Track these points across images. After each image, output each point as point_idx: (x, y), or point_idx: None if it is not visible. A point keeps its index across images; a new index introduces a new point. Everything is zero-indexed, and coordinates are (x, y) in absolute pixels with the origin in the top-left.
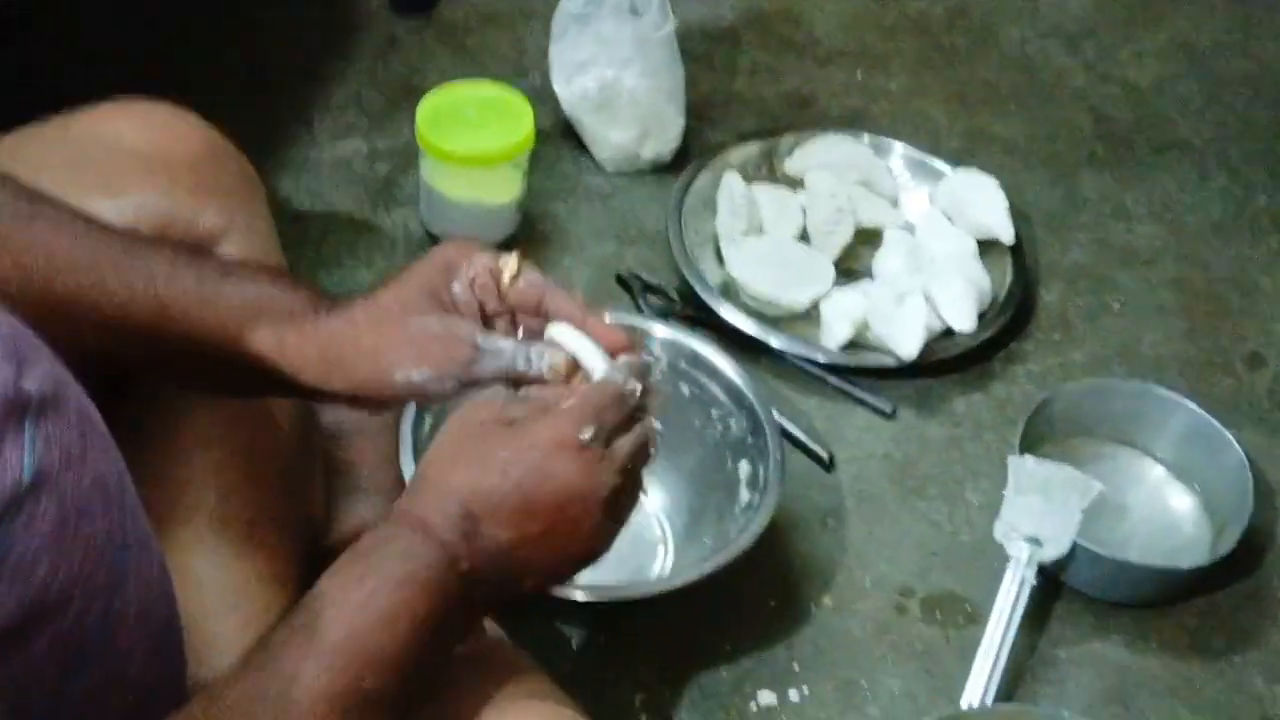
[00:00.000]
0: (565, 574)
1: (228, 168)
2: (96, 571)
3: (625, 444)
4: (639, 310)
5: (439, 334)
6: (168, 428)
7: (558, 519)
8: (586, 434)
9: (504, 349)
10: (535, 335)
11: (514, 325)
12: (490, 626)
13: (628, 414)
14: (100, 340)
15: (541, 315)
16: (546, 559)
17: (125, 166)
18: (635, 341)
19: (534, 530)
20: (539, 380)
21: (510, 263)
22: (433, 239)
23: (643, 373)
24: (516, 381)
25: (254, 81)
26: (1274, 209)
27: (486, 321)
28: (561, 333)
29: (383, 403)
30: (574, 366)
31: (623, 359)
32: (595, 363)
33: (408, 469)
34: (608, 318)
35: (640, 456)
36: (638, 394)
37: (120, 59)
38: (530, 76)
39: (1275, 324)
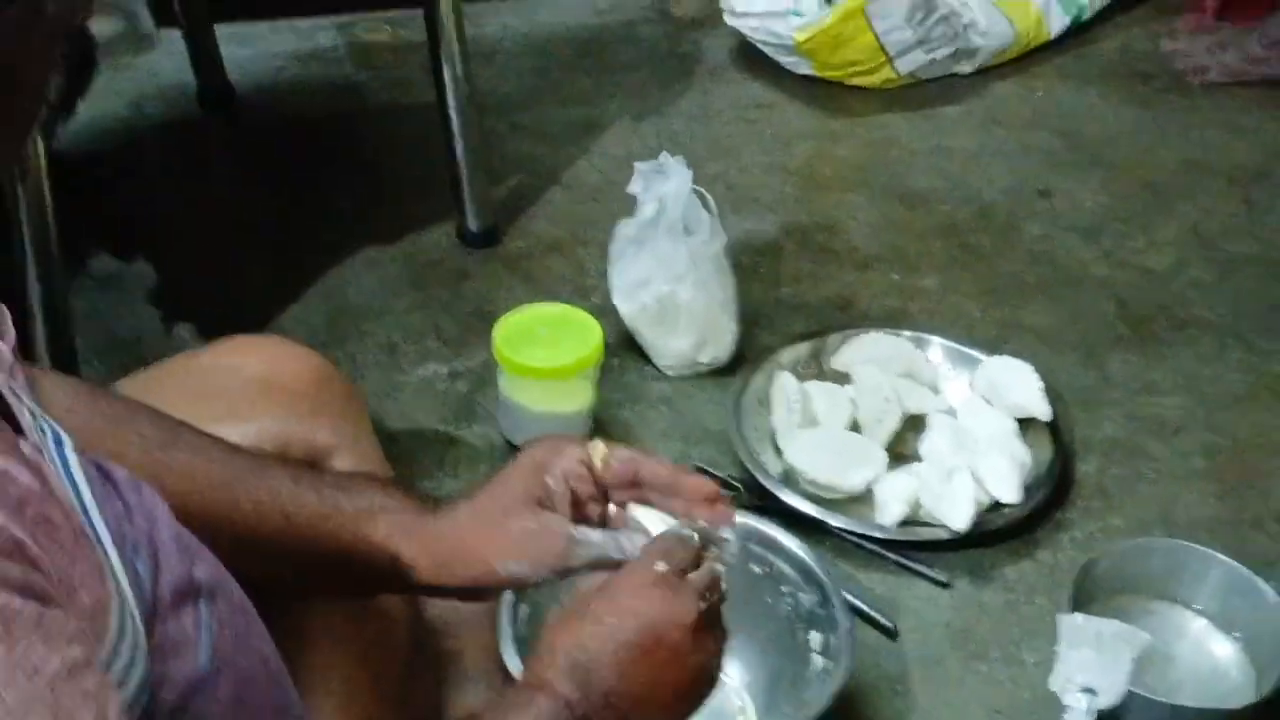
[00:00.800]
0: (675, 711)
1: (335, 391)
2: None
3: (698, 577)
4: None
5: (535, 530)
6: (295, 628)
7: (654, 650)
8: (660, 566)
9: (595, 540)
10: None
11: (606, 503)
12: None
13: (694, 554)
14: (233, 553)
15: (638, 486)
16: (655, 694)
17: (247, 394)
18: (720, 494)
19: (638, 667)
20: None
21: (599, 449)
22: (512, 448)
23: (705, 535)
24: (611, 565)
25: (340, 316)
26: None
27: (581, 507)
28: (640, 514)
29: (487, 595)
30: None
31: (683, 523)
32: (659, 525)
33: (508, 655)
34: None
35: (714, 590)
36: (696, 538)
37: (219, 305)
38: (591, 297)
39: None
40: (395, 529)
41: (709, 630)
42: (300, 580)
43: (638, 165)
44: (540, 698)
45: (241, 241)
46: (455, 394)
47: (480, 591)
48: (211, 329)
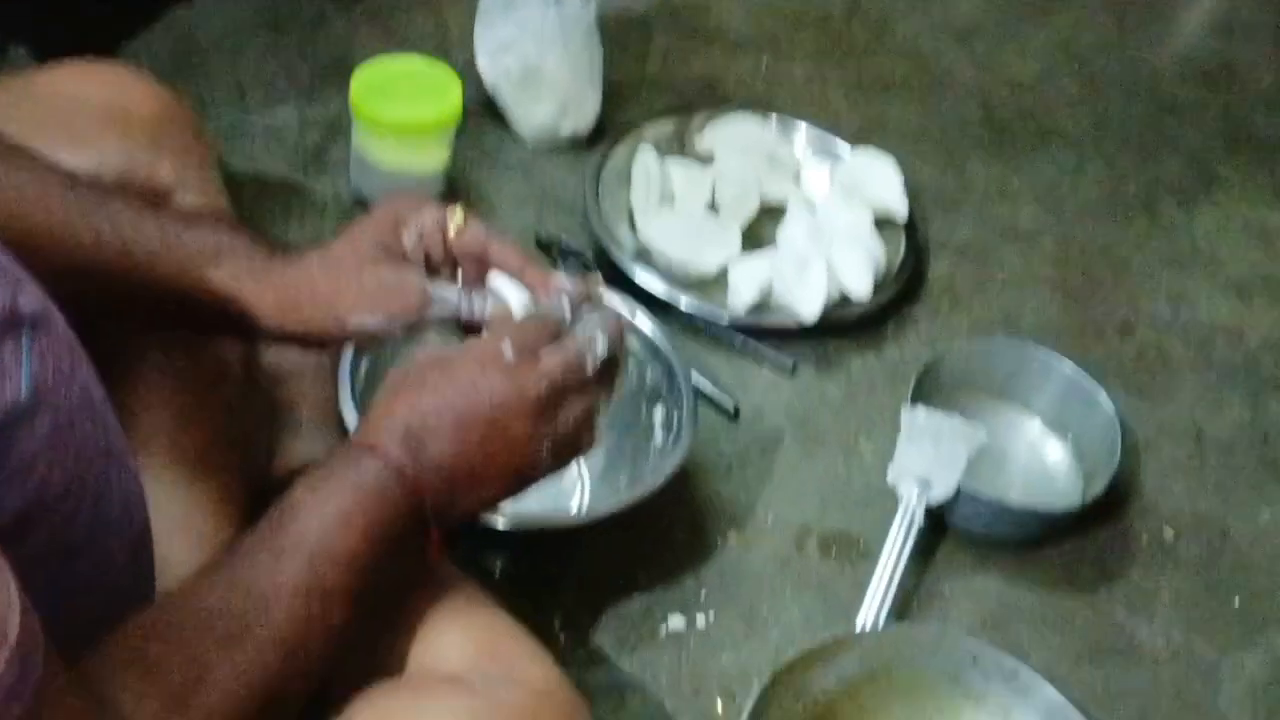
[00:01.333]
0: (510, 489)
1: (181, 127)
2: (86, 476)
3: (553, 358)
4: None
5: (391, 283)
6: (125, 362)
7: (491, 429)
8: (507, 349)
9: (449, 297)
10: (473, 282)
11: (455, 273)
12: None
13: (552, 334)
14: (67, 282)
15: (484, 263)
16: (488, 472)
17: (88, 122)
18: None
19: (471, 442)
20: (481, 324)
21: (456, 215)
22: (361, 204)
23: (570, 302)
24: (462, 326)
25: (186, 52)
26: (1143, 194)
27: (431, 269)
28: (498, 282)
29: (331, 344)
30: (512, 313)
31: (544, 301)
32: (518, 297)
33: (346, 408)
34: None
35: (575, 372)
36: (559, 318)
37: (58, 27)
38: (453, 55)
39: (1143, 297)
40: (240, 270)
41: (555, 412)
42: (135, 314)
43: None
44: (369, 459)
45: None
46: (306, 143)
47: (323, 342)
48: (49, 53)
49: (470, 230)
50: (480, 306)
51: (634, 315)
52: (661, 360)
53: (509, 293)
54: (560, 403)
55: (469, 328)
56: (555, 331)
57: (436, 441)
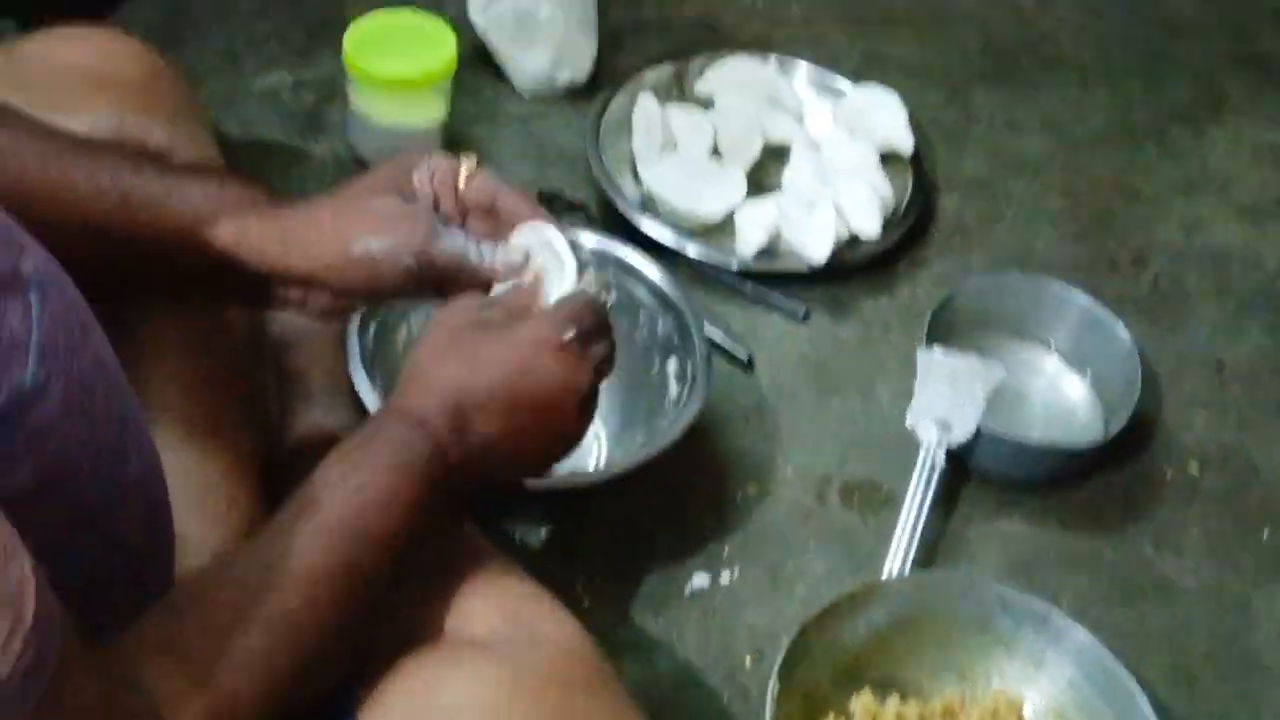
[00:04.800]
0: (542, 467)
1: (170, 89)
2: (101, 445)
3: (600, 349)
4: None
5: (399, 210)
6: (127, 333)
7: (540, 415)
8: (569, 334)
9: (458, 236)
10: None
11: (464, 223)
12: None
13: (600, 322)
14: (70, 241)
15: (494, 216)
16: (527, 452)
17: (76, 87)
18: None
19: (518, 425)
20: (490, 274)
21: (468, 162)
22: (360, 163)
23: (608, 285)
24: (467, 274)
25: (175, 20)
26: (1150, 120)
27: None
28: (537, 230)
29: (338, 293)
30: (524, 262)
31: (591, 272)
32: (568, 260)
33: (357, 375)
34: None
35: (609, 363)
36: (609, 305)
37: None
38: (445, 7)
39: (1156, 225)
40: (244, 212)
41: (593, 400)
42: (137, 273)
43: None
44: (414, 434)
45: None
46: (301, 105)
47: (330, 286)
48: (36, 27)
49: (480, 178)
50: (490, 254)
51: (642, 264)
52: (673, 311)
53: (556, 241)
54: (596, 392)
55: (471, 278)
56: (599, 314)
57: (486, 422)
